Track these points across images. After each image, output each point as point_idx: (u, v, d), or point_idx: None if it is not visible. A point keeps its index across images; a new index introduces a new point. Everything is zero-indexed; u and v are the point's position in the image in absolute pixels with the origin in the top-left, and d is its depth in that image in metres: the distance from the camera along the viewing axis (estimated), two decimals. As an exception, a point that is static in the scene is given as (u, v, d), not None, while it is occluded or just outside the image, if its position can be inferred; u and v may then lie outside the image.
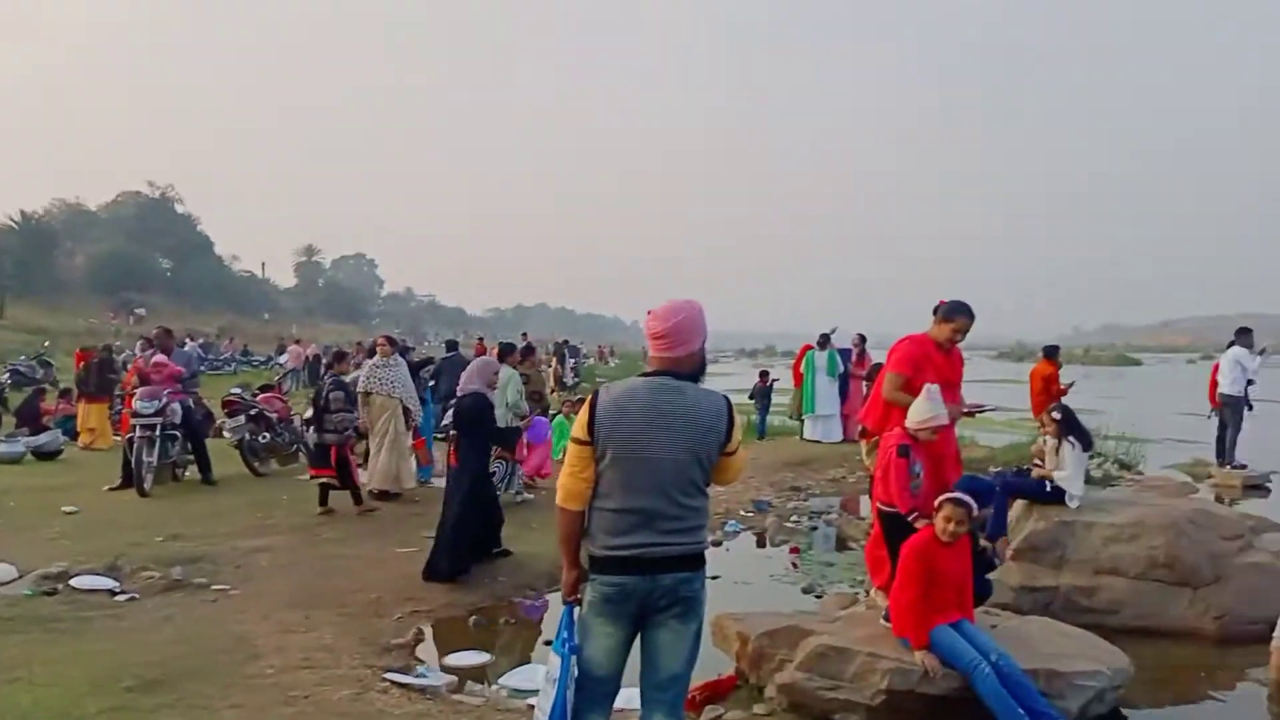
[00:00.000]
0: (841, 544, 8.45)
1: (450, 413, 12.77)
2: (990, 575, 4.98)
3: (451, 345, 14.59)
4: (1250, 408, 11.81)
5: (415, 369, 11.34)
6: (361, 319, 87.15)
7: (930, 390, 4.77)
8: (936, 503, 4.16)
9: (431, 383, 11.85)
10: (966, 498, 4.40)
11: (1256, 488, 11.05)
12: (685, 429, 3.02)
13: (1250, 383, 11.88)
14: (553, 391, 21.07)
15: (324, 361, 18.49)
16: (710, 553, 7.82)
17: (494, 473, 7.84)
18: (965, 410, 5.42)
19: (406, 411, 9.68)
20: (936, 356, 5.25)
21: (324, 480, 8.70)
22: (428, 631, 5.89)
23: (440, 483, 10.45)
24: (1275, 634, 5.00)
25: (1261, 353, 11.81)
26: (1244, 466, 11.51)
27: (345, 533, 8.07)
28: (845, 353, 14.96)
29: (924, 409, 4.71)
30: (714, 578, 6.72)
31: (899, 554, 4.36)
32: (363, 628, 5.67)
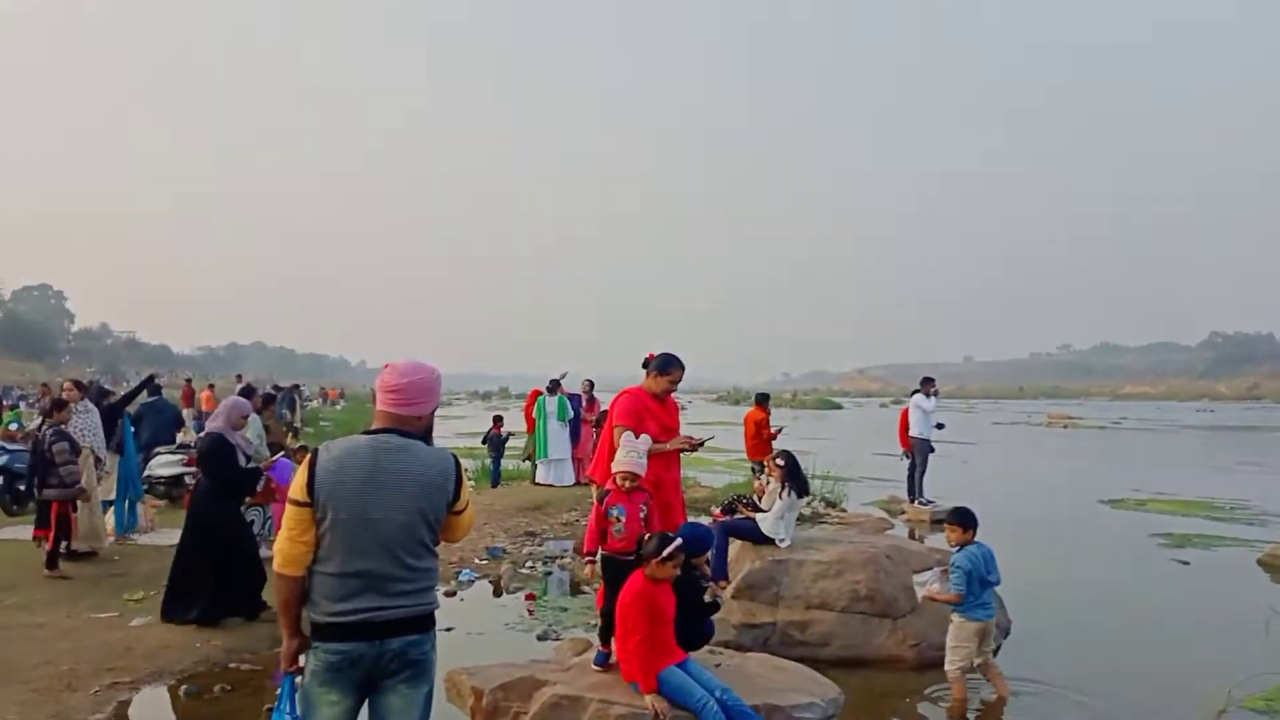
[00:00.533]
0: (575, 588, 8.50)
1: (151, 463, 11.84)
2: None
3: (154, 389, 13.40)
4: (933, 450, 13.16)
5: (114, 413, 10.31)
6: (48, 356, 78.64)
7: (627, 440, 4.96)
8: (669, 550, 4.27)
9: (133, 429, 10.82)
10: (695, 541, 4.62)
11: (943, 522, 12.25)
12: (411, 488, 2.95)
13: (940, 426, 13.27)
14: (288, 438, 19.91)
15: (36, 408, 16.31)
16: (445, 603, 7.64)
17: (252, 521, 7.30)
18: (691, 445, 5.65)
19: (98, 462, 8.83)
20: (654, 406, 5.57)
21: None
22: (131, 705, 5.31)
23: (144, 539, 9.63)
24: (947, 663, 5.55)
25: (934, 395, 13.20)
26: (931, 502, 12.76)
27: (31, 599, 7.20)
28: (575, 398, 15.21)
29: (618, 457, 4.89)
30: (447, 630, 6.59)
31: (617, 600, 4.43)
32: (55, 704, 5.05)
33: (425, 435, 3.14)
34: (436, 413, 3.26)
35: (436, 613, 3.07)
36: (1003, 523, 11.88)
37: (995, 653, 6.52)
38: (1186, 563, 10.03)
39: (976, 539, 5.62)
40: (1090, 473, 20.73)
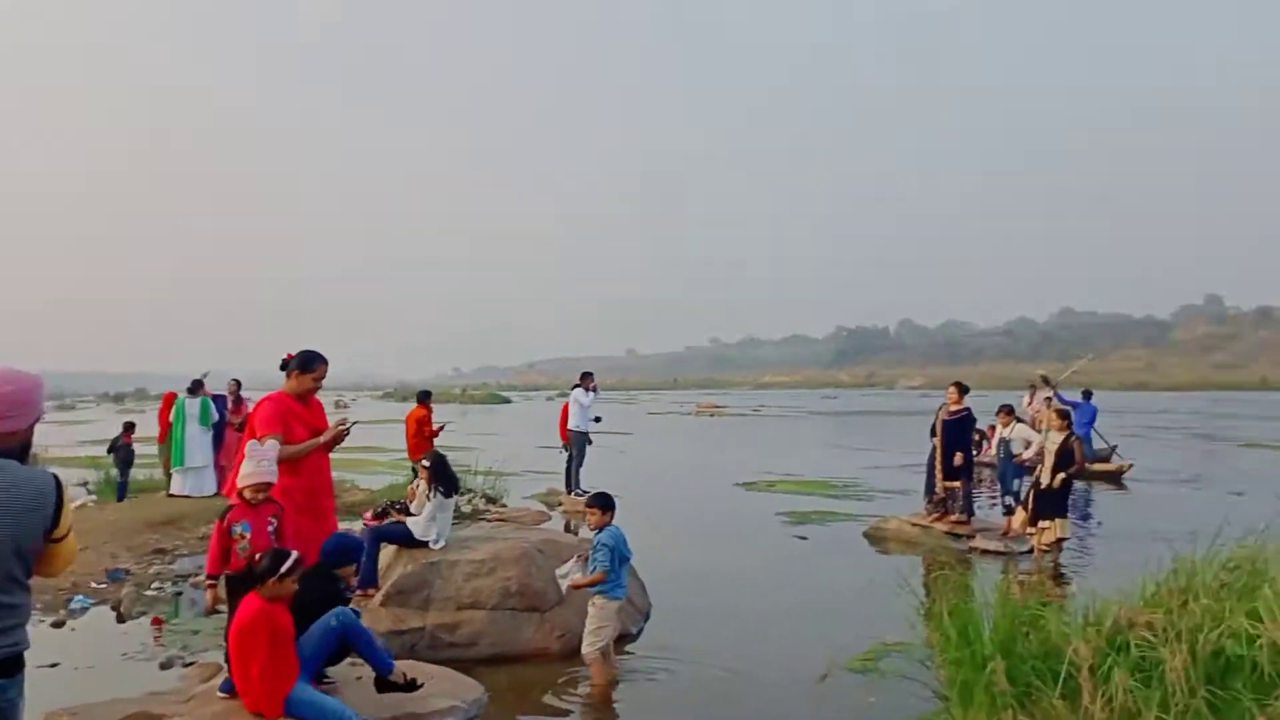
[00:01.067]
0: (211, 608, 7.87)
1: None
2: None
3: None
4: (590, 442, 13.68)
5: None
6: None
7: (252, 449, 4.72)
8: (286, 567, 4.07)
9: None
10: (341, 552, 4.51)
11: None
12: (0, 513, 2.59)
13: (597, 419, 13.82)
14: None
15: None
16: (51, 636, 6.83)
17: None
18: (335, 433, 5.41)
19: None
20: (298, 408, 5.30)
21: None
22: None
23: None
24: (587, 645, 5.79)
25: (593, 389, 13.74)
26: (586, 493, 13.20)
27: None
28: (220, 399, 14.13)
29: (244, 469, 4.64)
30: (52, 666, 5.89)
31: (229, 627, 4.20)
32: None
33: (21, 452, 2.76)
34: (40, 423, 2.88)
35: (34, 650, 2.72)
36: (649, 508, 12.61)
37: (638, 635, 6.93)
38: (805, 538, 11.16)
39: (614, 521, 5.92)
40: (730, 457, 22.47)
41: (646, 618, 7.30)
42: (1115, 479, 17.06)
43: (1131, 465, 17.66)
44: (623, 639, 6.63)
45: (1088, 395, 17.27)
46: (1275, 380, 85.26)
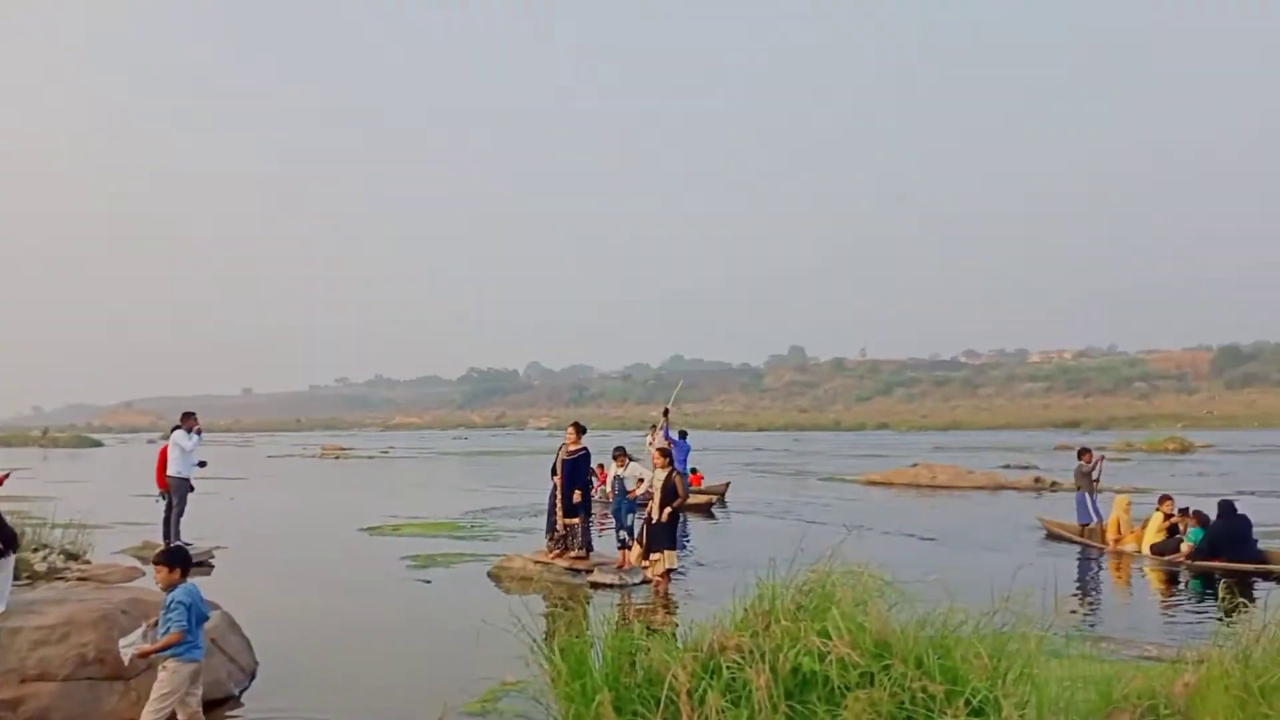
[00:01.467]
0: None
1: None
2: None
3: None
4: (192, 489, 12.55)
5: None
6: None
7: None
8: None
9: None
10: None
11: (200, 564, 11.69)
12: None
13: (202, 464, 12.70)
14: None
15: None
16: None
17: None
18: None
19: None
20: None
21: None
22: None
23: None
24: (149, 713, 5.12)
25: (197, 431, 12.65)
26: (189, 545, 12.08)
27: None
28: None
29: None
30: None
31: None
32: None
33: None
34: None
35: None
36: (261, 558, 11.83)
37: (240, 695, 6.42)
38: (429, 581, 11.01)
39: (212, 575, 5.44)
40: (355, 502, 21.70)
41: (252, 677, 6.78)
42: (707, 510, 18.76)
43: (718, 498, 19.85)
44: (222, 702, 6.12)
45: (683, 435, 18.77)
46: (847, 421, 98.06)
